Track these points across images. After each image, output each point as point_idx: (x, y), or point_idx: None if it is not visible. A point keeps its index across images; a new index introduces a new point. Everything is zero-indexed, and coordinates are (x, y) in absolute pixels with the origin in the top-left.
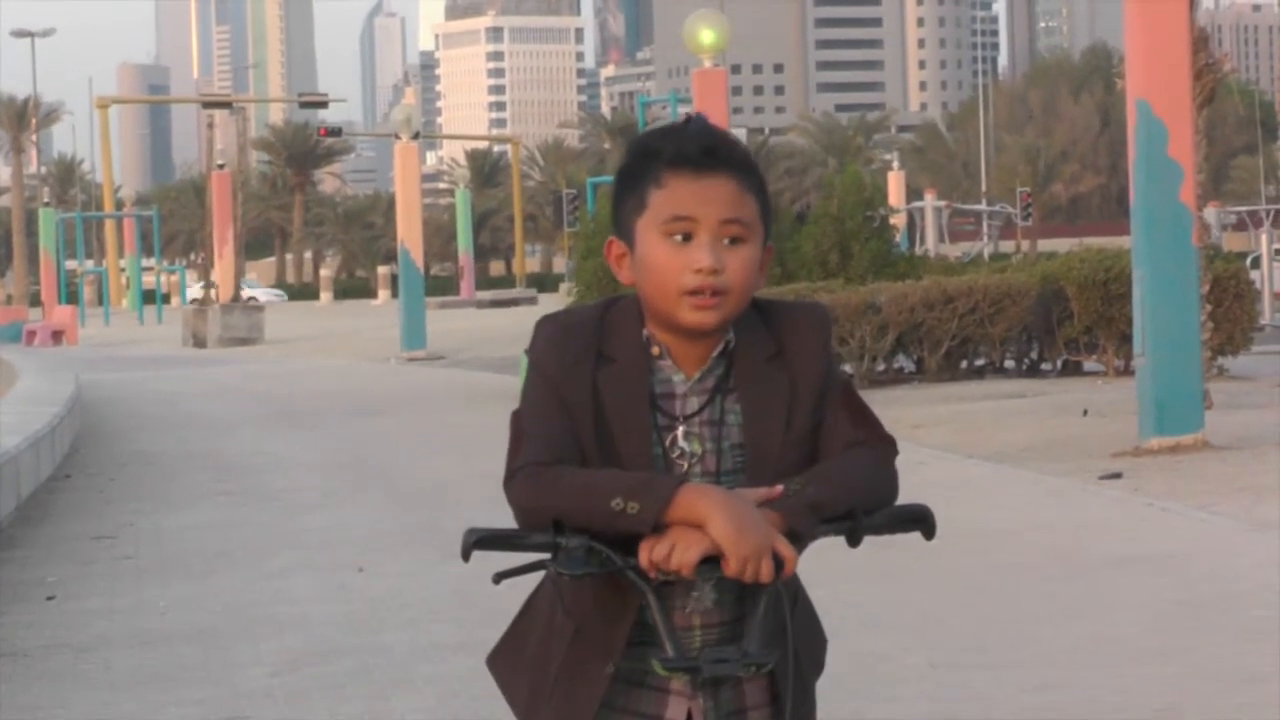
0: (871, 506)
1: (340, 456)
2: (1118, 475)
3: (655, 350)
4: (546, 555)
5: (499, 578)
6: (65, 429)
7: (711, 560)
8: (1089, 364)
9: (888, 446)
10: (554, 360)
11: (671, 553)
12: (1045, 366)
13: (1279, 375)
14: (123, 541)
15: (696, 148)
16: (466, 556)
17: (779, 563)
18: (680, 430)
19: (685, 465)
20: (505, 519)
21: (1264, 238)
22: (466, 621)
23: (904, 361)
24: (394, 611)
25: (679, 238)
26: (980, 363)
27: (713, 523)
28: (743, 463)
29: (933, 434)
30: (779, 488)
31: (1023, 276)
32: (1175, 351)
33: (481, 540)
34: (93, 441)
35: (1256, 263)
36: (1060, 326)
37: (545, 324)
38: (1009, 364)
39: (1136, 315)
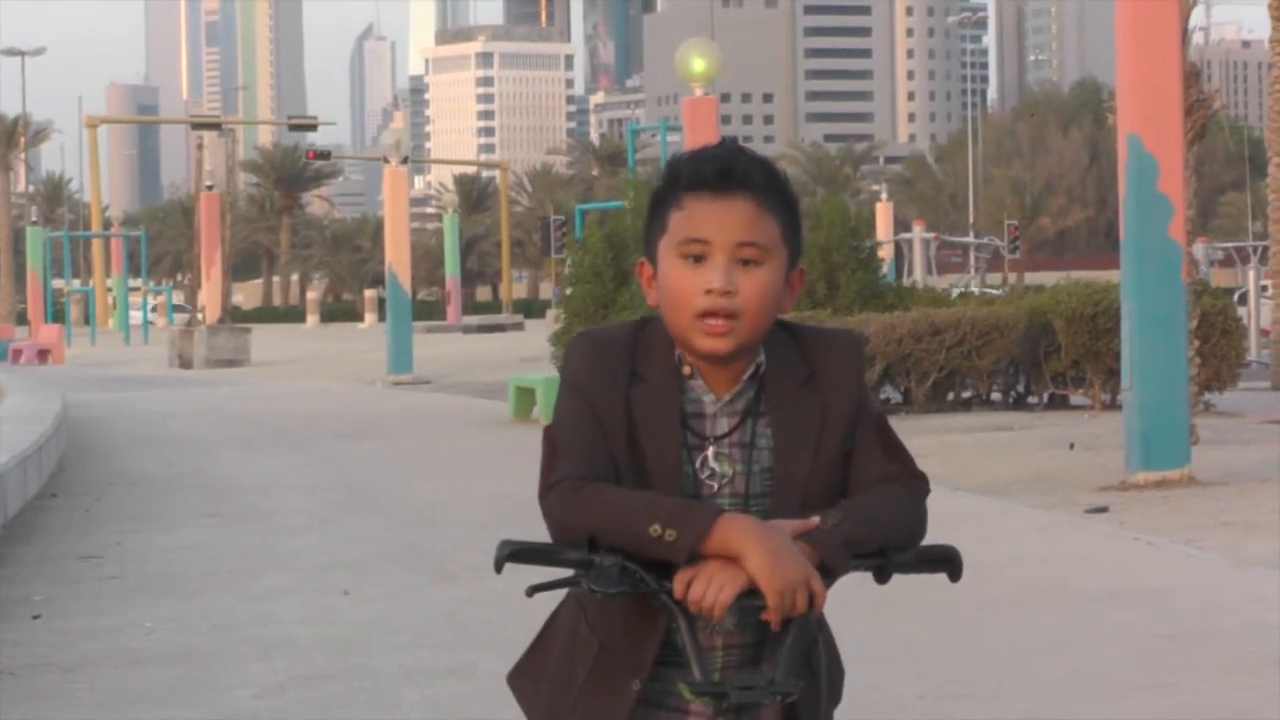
0: (903, 545)
1: (327, 479)
2: (1104, 509)
3: (686, 370)
4: (579, 571)
5: (532, 591)
6: (52, 448)
7: (743, 593)
8: (1076, 397)
9: (920, 484)
10: (588, 377)
11: (706, 592)
12: (1032, 399)
13: (1265, 411)
14: (109, 561)
15: (714, 170)
16: (499, 568)
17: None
18: (711, 451)
19: (715, 486)
20: (495, 545)
21: (1251, 274)
22: (454, 646)
23: (891, 393)
24: (381, 635)
25: (693, 259)
26: (967, 395)
27: (750, 556)
28: (772, 486)
29: (920, 465)
30: (815, 520)
31: (1010, 309)
32: (1163, 386)
33: (516, 553)
34: (79, 461)
35: (1243, 299)
36: (1047, 360)
37: (579, 341)
38: (996, 396)
39: (1124, 349)
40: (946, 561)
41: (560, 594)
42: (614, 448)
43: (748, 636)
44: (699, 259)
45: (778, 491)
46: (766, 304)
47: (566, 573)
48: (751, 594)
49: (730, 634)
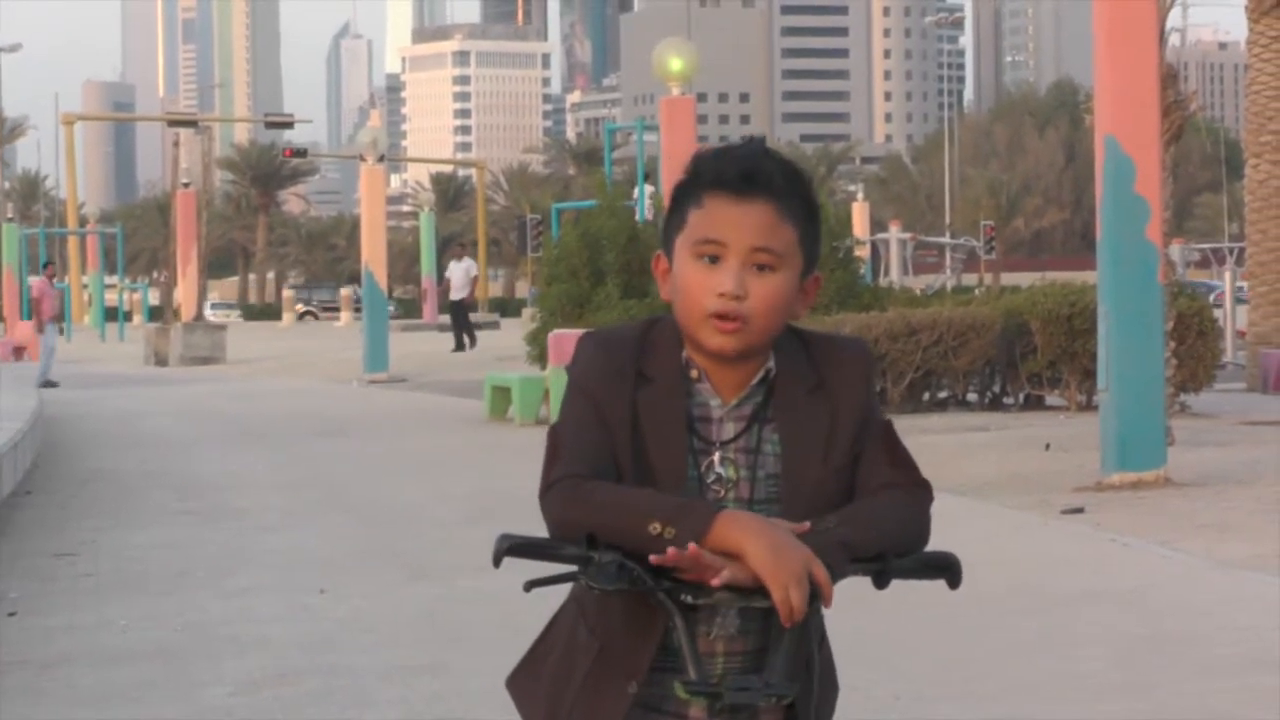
0: (902, 551)
1: (303, 477)
2: (1080, 510)
3: (694, 373)
4: (577, 567)
5: (529, 586)
6: (27, 445)
7: (742, 591)
8: (1051, 398)
9: (924, 491)
10: (595, 377)
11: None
12: (1008, 400)
13: (1241, 413)
14: (84, 559)
15: (736, 171)
16: (498, 562)
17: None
18: (717, 455)
19: (720, 491)
20: (470, 543)
21: (1227, 275)
22: (430, 644)
23: None
24: (357, 633)
25: (708, 259)
26: (943, 395)
27: (750, 551)
28: (777, 493)
29: None
30: (807, 523)
31: (987, 310)
32: (1139, 387)
33: (514, 548)
34: (54, 458)
35: (1218, 302)
36: (1023, 360)
37: (586, 340)
38: (972, 397)
39: (1101, 351)
40: (946, 568)
41: (561, 598)
42: (618, 449)
43: (750, 644)
44: (714, 259)
45: (786, 498)
46: (776, 310)
47: (565, 569)
48: (754, 595)
49: (732, 639)
